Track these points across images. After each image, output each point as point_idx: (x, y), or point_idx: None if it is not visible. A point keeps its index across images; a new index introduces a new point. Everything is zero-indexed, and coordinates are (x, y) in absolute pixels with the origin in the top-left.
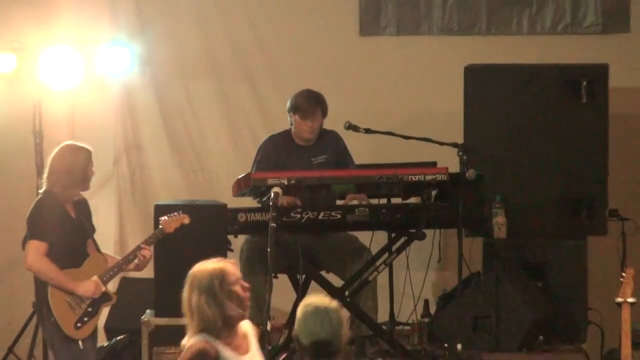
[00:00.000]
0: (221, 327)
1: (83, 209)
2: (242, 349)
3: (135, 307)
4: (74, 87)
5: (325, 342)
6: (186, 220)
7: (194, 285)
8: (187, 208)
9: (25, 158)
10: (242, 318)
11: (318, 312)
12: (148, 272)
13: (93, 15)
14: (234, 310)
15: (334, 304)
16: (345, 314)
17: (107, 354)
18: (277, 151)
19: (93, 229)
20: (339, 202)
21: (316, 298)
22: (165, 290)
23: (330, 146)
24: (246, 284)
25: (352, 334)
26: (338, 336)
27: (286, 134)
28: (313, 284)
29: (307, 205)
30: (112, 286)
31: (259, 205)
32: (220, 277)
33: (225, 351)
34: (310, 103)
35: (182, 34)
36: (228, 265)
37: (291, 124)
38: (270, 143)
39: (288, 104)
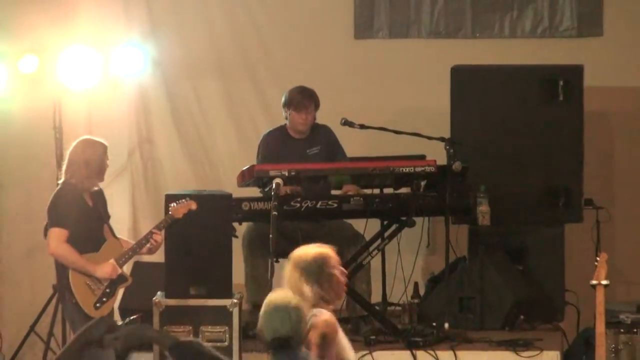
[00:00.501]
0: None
1: (99, 198)
2: None
3: (148, 289)
4: (91, 87)
5: (285, 338)
6: (193, 206)
7: (297, 267)
8: (195, 197)
9: (46, 152)
10: (339, 299)
11: (278, 309)
12: (159, 257)
13: (108, 18)
14: (332, 291)
15: (294, 301)
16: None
17: None
18: (275, 144)
19: (108, 216)
20: (334, 192)
21: (278, 295)
22: (175, 274)
23: (323, 138)
24: (344, 269)
25: (347, 314)
26: (298, 332)
27: (282, 128)
28: None
29: (306, 194)
30: (126, 270)
31: (262, 195)
32: (322, 260)
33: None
34: (303, 97)
35: (191, 37)
36: (329, 250)
37: (286, 118)
38: (269, 138)
39: (283, 100)
